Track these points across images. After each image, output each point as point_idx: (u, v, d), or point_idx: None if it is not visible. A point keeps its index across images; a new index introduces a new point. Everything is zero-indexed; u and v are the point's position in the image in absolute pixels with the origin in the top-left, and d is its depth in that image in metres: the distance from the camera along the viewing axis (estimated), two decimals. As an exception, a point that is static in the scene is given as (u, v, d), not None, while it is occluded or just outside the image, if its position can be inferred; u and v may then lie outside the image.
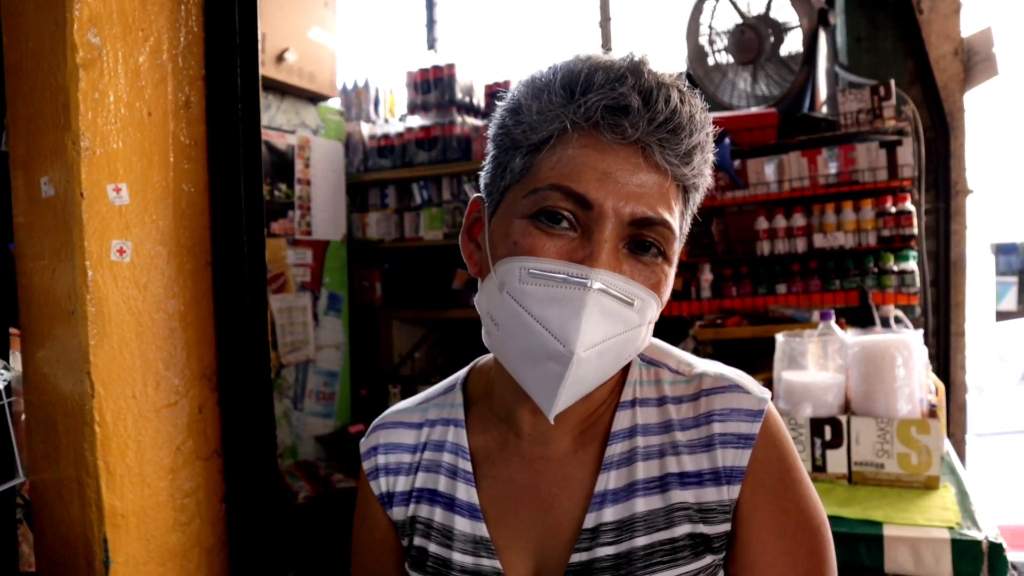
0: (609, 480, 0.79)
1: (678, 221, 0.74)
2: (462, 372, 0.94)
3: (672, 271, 0.76)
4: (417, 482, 0.87)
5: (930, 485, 1.64)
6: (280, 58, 3.15)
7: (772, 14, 3.02)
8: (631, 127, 0.69)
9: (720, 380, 0.81)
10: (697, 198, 0.78)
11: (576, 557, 0.77)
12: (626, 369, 0.84)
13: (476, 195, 0.83)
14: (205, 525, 1.12)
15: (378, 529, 0.91)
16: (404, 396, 3.87)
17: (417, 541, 0.85)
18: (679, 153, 0.71)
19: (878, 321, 2.45)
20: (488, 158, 0.80)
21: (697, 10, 3.15)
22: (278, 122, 3.30)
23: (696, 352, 2.90)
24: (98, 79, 0.98)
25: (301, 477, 3.05)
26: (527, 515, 0.81)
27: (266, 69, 3.10)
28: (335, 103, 3.68)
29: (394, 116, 4.04)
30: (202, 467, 1.12)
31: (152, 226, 1.05)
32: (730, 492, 0.77)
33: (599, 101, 0.69)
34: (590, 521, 0.77)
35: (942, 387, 1.93)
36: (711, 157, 0.76)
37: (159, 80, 1.06)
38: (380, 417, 0.95)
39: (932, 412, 1.72)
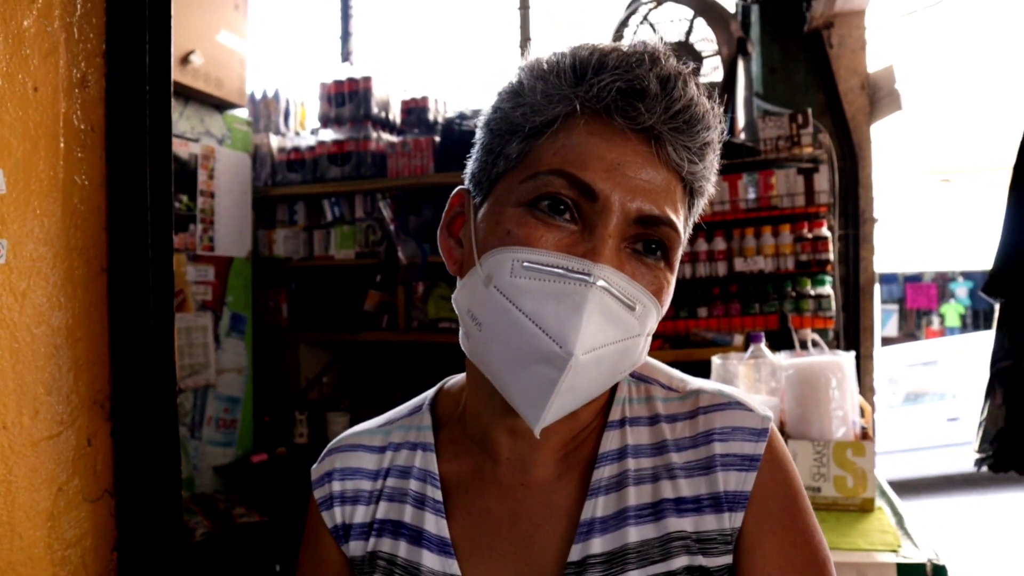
0: (597, 507, 0.71)
1: (682, 225, 0.69)
2: (429, 392, 0.85)
3: (673, 279, 0.70)
4: (379, 512, 0.77)
5: (865, 508, 1.63)
6: (185, 60, 2.93)
7: (692, 41, 3.06)
8: (647, 112, 0.63)
9: (719, 397, 0.74)
10: (700, 204, 0.72)
11: None
12: (614, 386, 0.75)
13: (459, 188, 0.75)
14: (92, 580, 0.94)
15: (329, 567, 0.79)
16: (311, 423, 3.66)
17: None
18: (693, 148, 0.66)
19: (797, 345, 2.48)
20: (477, 146, 0.73)
21: (618, 35, 3.17)
22: (181, 129, 3.07)
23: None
24: (-29, 43, 0.82)
25: (199, 512, 2.79)
26: (505, 549, 0.72)
27: (167, 71, 2.87)
28: (243, 112, 3.47)
29: (305, 129, 3.86)
30: (90, 511, 0.95)
31: (35, 222, 0.88)
32: (732, 520, 0.69)
33: (613, 82, 0.64)
34: (575, 553, 0.69)
35: (869, 409, 1.94)
36: (718, 163, 0.71)
37: (48, 51, 0.90)
38: (335, 440, 0.83)
39: (864, 434, 1.72)
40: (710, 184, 0.71)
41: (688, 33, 3.06)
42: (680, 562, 0.68)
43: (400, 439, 0.80)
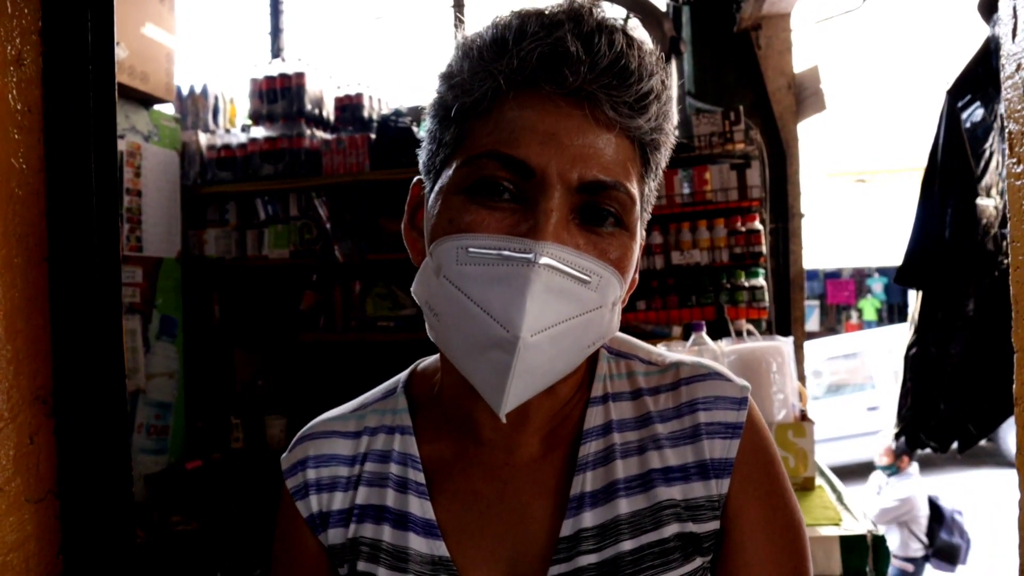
0: (586, 482, 0.71)
1: (637, 185, 0.66)
2: (402, 375, 0.83)
3: (636, 244, 0.68)
4: (358, 498, 0.75)
5: (807, 486, 1.69)
6: (106, 52, 2.81)
7: (627, 40, 3.12)
8: (572, 74, 0.61)
9: (699, 368, 0.75)
10: (660, 159, 0.70)
11: (555, 569, 0.68)
12: (593, 364, 0.76)
13: (416, 178, 0.74)
14: (36, 585, 0.89)
15: (306, 557, 0.77)
16: (247, 427, 3.56)
17: (361, 566, 0.73)
18: (629, 101, 0.62)
19: (733, 334, 2.55)
20: (425, 134, 0.71)
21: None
22: (102, 124, 2.94)
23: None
24: None
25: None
26: (494, 529, 0.71)
27: (89, 63, 2.75)
28: (170, 108, 3.35)
29: (235, 126, 3.75)
30: (32, 512, 0.89)
31: (-30, 208, 0.83)
32: (719, 487, 0.71)
33: (534, 49, 0.61)
34: (567, 528, 0.69)
35: (806, 393, 2.02)
36: (673, 111, 0.69)
37: (-19, 26, 0.85)
38: (305, 428, 0.80)
39: (803, 416, 1.79)
40: (665, 135, 0.68)
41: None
42: (671, 529, 0.69)
43: (376, 423, 0.78)
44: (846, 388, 8.23)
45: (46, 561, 0.91)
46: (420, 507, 0.72)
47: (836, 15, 3.81)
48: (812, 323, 11.79)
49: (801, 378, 3.15)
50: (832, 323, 12.57)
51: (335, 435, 0.78)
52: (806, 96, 3.18)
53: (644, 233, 0.74)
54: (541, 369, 0.63)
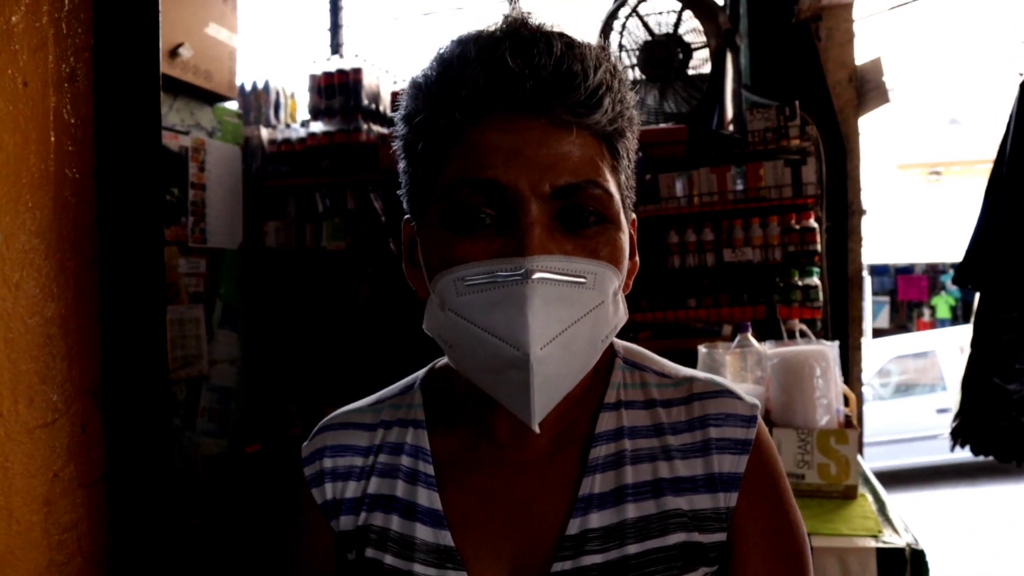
0: (595, 484, 0.73)
1: (611, 177, 0.67)
2: (420, 373, 0.86)
3: (624, 234, 0.70)
4: (370, 488, 0.78)
5: (848, 495, 1.66)
6: (174, 53, 2.93)
7: (681, 33, 3.08)
8: (519, 90, 0.62)
9: (711, 385, 0.77)
10: (628, 144, 0.71)
11: (559, 566, 0.70)
12: (608, 371, 0.78)
13: (406, 217, 0.76)
14: (87, 564, 0.96)
15: (318, 543, 0.81)
16: (303, 415, 3.68)
17: (369, 553, 0.76)
18: (581, 100, 0.64)
19: (785, 334, 2.51)
20: (401, 175, 0.74)
21: (608, 26, 3.18)
22: (171, 122, 3.07)
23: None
24: (-38, 38, 0.83)
25: (191, 503, 2.81)
26: (501, 523, 0.73)
27: (158, 63, 2.87)
28: (233, 105, 3.47)
29: (296, 121, 3.86)
30: (84, 496, 0.96)
31: (27, 215, 0.90)
32: (727, 500, 0.72)
33: (478, 75, 0.63)
34: (574, 527, 0.71)
35: (853, 397, 1.97)
36: (630, 96, 0.69)
37: (37, 46, 0.92)
38: (325, 419, 0.84)
39: (848, 422, 1.75)
40: (626, 120, 0.69)
41: (676, 25, 3.08)
42: (677, 538, 0.71)
43: (391, 417, 0.81)
44: (915, 389, 7.92)
45: (97, 541, 0.98)
46: (428, 498, 0.75)
47: (907, 1, 3.66)
48: (881, 320, 11.39)
49: (854, 382, 3.07)
50: (903, 320, 12.11)
51: (352, 427, 0.82)
52: (868, 89, 3.08)
53: (633, 215, 0.76)
54: (560, 375, 0.65)
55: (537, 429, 0.65)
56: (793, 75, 3.15)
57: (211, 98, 3.25)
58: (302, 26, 4.48)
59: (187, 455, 3.08)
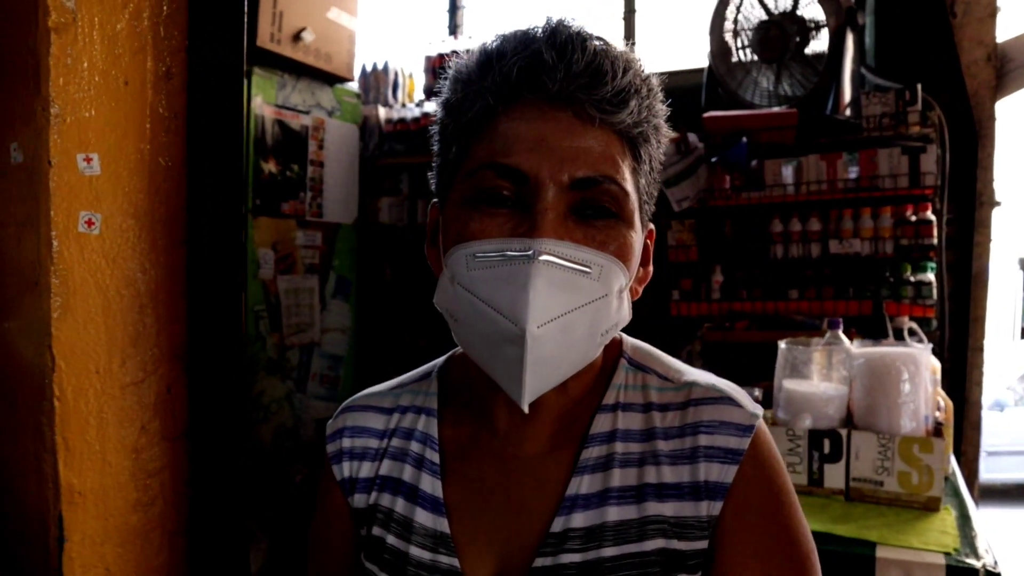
0: (582, 484, 0.74)
1: (630, 178, 0.70)
2: (440, 360, 0.90)
3: (637, 235, 0.72)
4: (382, 469, 0.83)
5: (930, 506, 1.57)
6: (297, 37, 3.12)
7: (799, 11, 2.93)
8: (550, 81, 0.66)
9: (711, 391, 0.76)
10: (651, 151, 0.73)
11: (540, 562, 0.72)
12: (611, 371, 0.80)
13: (433, 200, 0.80)
14: (168, 507, 1.09)
15: (336, 517, 0.87)
16: (409, 383, 3.86)
17: (375, 531, 0.81)
18: (607, 97, 0.67)
19: (891, 332, 2.38)
20: (434, 159, 0.77)
21: (723, 4, 3.08)
22: (293, 102, 3.28)
23: (701, 354, 2.84)
24: (71, 44, 0.95)
25: (299, 460, 3.04)
26: (494, 515, 0.76)
27: (282, 48, 3.07)
28: (352, 85, 3.65)
29: (412, 101, 4.00)
30: (168, 448, 1.10)
31: (125, 199, 1.02)
32: (710, 508, 0.71)
33: (514, 64, 0.67)
34: (558, 525, 0.73)
35: (950, 404, 1.85)
36: (660, 105, 0.72)
37: (138, 49, 1.03)
38: (349, 400, 0.90)
39: (938, 430, 1.65)
40: (652, 128, 0.71)
41: (795, 3, 2.93)
42: (655, 544, 0.71)
43: (408, 403, 0.86)
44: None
45: (178, 489, 1.11)
46: (431, 485, 0.79)
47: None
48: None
49: (974, 385, 2.86)
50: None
51: (371, 409, 0.87)
52: (1011, 69, 2.81)
53: (651, 225, 0.77)
54: (555, 359, 0.67)
55: (526, 409, 0.67)
56: (921, 55, 2.93)
57: (331, 79, 3.44)
58: (423, 8, 4.61)
59: (297, 416, 3.32)
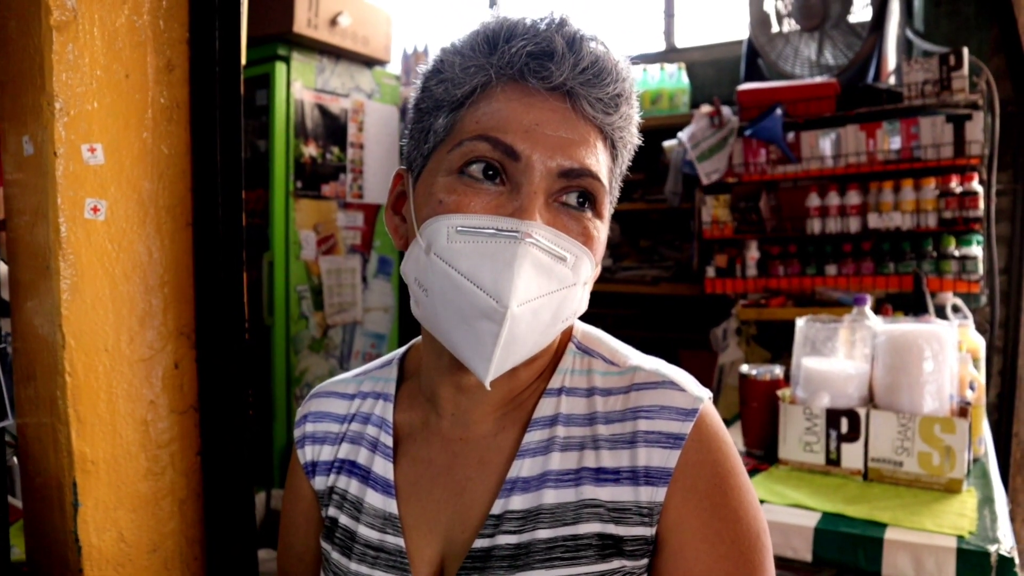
0: (523, 467, 0.75)
1: (607, 175, 0.73)
2: (401, 349, 0.93)
3: (604, 228, 0.74)
4: (340, 452, 0.87)
5: (952, 488, 1.53)
6: (334, 21, 3.18)
7: (842, -24, 2.83)
8: (557, 70, 0.68)
9: (654, 376, 0.76)
10: (625, 157, 0.77)
11: (478, 543, 0.74)
12: (558, 355, 0.81)
13: (399, 168, 0.81)
14: (179, 476, 1.16)
15: (301, 500, 0.91)
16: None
17: (331, 511, 0.85)
18: (605, 99, 0.70)
19: (932, 309, 2.30)
20: (409, 127, 0.79)
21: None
22: (332, 86, 3.35)
23: (739, 332, 2.80)
24: (72, 41, 1.01)
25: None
26: (439, 496, 0.78)
27: (319, 32, 3.13)
28: (392, 67, 3.70)
29: (453, 81, 4.02)
30: (177, 420, 1.16)
31: (129, 186, 1.08)
32: (651, 494, 0.71)
33: (524, 47, 0.69)
34: (498, 507, 0.74)
35: (982, 384, 1.79)
36: (637, 115, 0.75)
37: (138, 43, 1.08)
38: (317, 387, 0.95)
39: (963, 410, 1.60)
40: (630, 135, 0.75)
41: (837, -32, 2.83)
42: (590, 528, 0.72)
43: (368, 389, 0.89)
44: None
45: (188, 459, 1.18)
46: (383, 467, 0.81)
47: None
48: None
49: (1007, 365, 2.73)
50: None
51: (334, 395, 0.91)
52: (1072, 30, 2.64)
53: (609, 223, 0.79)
54: (523, 339, 0.68)
55: (489, 386, 0.68)
56: (975, 16, 2.78)
57: (370, 62, 3.49)
58: (465, -13, 4.61)
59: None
